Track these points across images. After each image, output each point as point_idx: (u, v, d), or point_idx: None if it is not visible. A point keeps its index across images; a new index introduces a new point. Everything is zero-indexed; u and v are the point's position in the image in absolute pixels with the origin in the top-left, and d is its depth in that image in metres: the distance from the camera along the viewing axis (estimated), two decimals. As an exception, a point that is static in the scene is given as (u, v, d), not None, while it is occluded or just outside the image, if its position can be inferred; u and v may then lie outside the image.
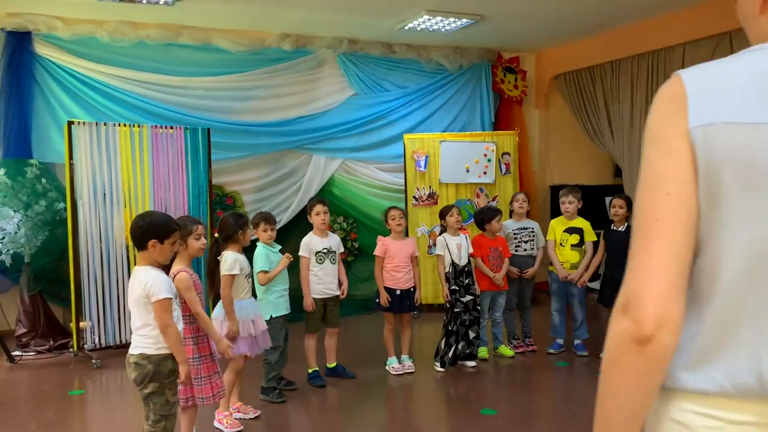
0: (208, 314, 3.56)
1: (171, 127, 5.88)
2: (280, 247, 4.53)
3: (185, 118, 6.46)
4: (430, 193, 7.07)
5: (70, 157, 5.33)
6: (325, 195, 7.31)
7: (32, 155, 5.99)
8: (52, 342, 5.67)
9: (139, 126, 5.69)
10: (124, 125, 5.62)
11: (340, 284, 4.79)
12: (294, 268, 4.61)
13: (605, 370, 1.09)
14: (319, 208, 4.71)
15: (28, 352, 5.55)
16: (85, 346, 5.41)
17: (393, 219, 4.91)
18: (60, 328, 5.86)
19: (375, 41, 7.40)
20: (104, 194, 5.49)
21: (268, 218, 4.40)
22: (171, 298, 2.94)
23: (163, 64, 6.56)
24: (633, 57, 7.19)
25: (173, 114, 6.48)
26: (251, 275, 4.10)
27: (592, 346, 5.41)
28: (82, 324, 5.39)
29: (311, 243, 4.70)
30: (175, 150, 5.86)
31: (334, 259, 4.75)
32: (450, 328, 5.03)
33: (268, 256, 4.32)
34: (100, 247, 5.45)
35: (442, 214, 5.18)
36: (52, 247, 5.74)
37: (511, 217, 5.74)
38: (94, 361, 5.23)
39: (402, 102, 7.57)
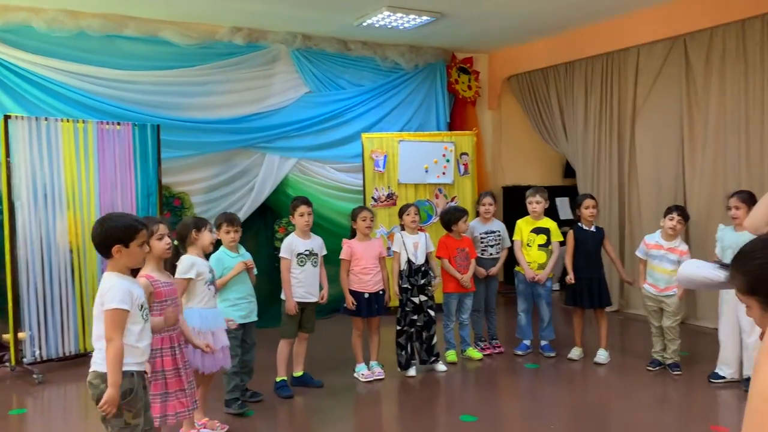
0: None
1: (118, 124, 5.50)
2: (243, 251, 4.28)
3: (130, 114, 6.07)
4: (389, 194, 6.93)
5: (7, 155, 4.88)
6: (279, 195, 7.08)
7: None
8: (-16, 356, 5.20)
9: (83, 122, 5.29)
10: (67, 121, 5.21)
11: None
12: (263, 272, 4.37)
13: None
14: (303, 208, 4.50)
15: (-42, 368, 5.07)
16: (24, 359, 4.97)
17: (364, 220, 4.74)
18: (-6, 341, 5.38)
19: (330, 37, 7.20)
20: (45, 195, 5.06)
21: (231, 219, 4.15)
22: (124, 310, 2.63)
23: (107, 57, 6.14)
24: (587, 59, 7.27)
25: (116, 110, 6.07)
26: (213, 282, 3.82)
27: (558, 346, 5.38)
28: (20, 335, 4.96)
29: (293, 244, 4.48)
30: (123, 148, 5.48)
31: (315, 262, 4.55)
32: (401, 327, 4.88)
33: (221, 260, 4.07)
34: (41, 252, 5.03)
35: (400, 213, 5.05)
36: (-14, 252, 5.26)
37: (477, 218, 5.64)
38: (35, 375, 4.80)
39: (358, 100, 7.39)
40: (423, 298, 4.88)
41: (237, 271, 4.04)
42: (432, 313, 4.94)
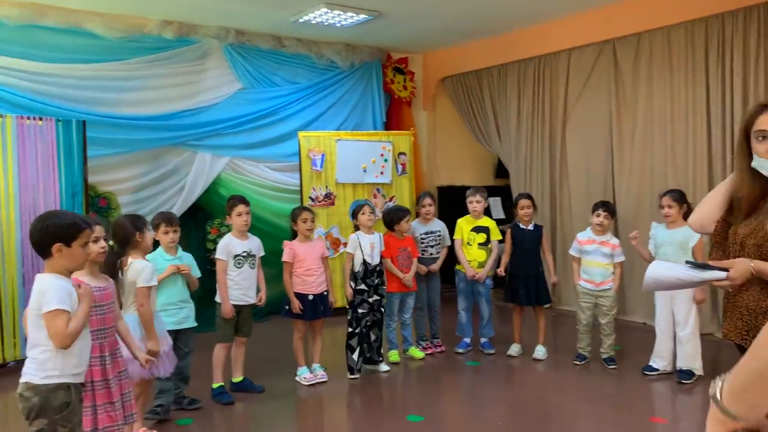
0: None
1: (40, 119, 5.16)
2: (182, 252, 4.10)
3: (51, 109, 5.71)
4: (326, 194, 6.83)
5: None
6: (211, 195, 6.85)
7: None
8: None
9: (1, 116, 4.93)
10: (-17, 114, 4.85)
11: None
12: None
13: None
14: (241, 208, 4.35)
15: None
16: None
17: (304, 221, 4.63)
18: None
19: (264, 33, 7.04)
20: (-42, 194, 4.69)
21: (169, 219, 3.97)
22: (64, 310, 2.44)
23: (25, 48, 5.75)
24: (520, 61, 7.41)
25: (36, 104, 5.69)
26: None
27: (498, 343, 5.45)
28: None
29: (230, 245, 4.32)
30: (45, 144, 5.15)
31: (253, 264, 4.41)
32: (353, 329, 4.82)
33: (155, 262, 3.85)
34: (-46, 256, 4.65)
35: (354, 213, 4.98)
36: None
37: (417, 218, 5.62)
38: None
39: (293, 98, 7.25)
40: (376, 297, 4.83)
41: (166, 274, 3.85)
42: (383, 311, 4.90)
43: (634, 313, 6.42)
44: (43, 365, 2.44)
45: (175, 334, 3.89)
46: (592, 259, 5.00)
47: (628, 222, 6.37)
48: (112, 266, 3.39)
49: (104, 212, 6.13)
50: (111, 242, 3.34)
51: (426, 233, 5.45)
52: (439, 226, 5.53)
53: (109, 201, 6.24)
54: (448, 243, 5.51)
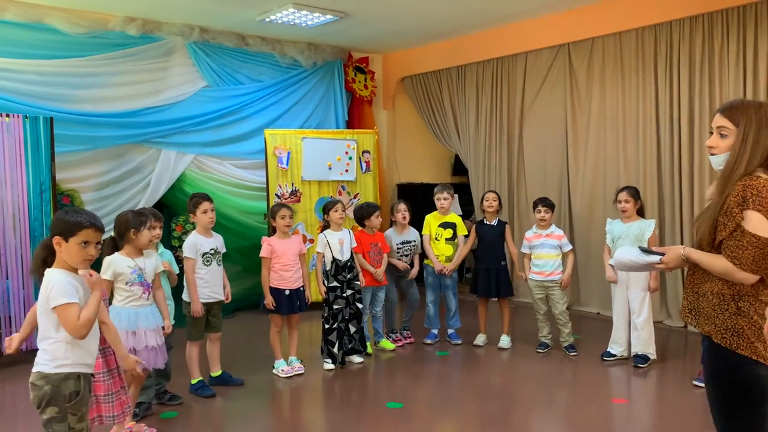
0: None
1: (7, 115, 5.09)
2: (162, 249, 4.16)
3: (12, 105, 5.61)
4: (292, 191, 6.92)
5: None
6: (176, 193, 6.85)
7: None
8: None
9: (-33, 112, 4.85)
10: (-52, 110, 4.75)
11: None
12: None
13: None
14: (206, 205, 4.38)
15: None
16: None
17: (283, 218, 4.72)
18: None
19: (228, 32, 7.07)
20: (-76, 191, 4.59)
21: (156, 215, 4.01)
22: (74, 303, 2.51)
23: (-17, 42, 5.66)
24: (478, 63, 7.67)
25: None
26: (142, 282, 3.67)
27: (464, 334, 5.67)
28: None
29: (198, 243, 4.36)
30: (12, 141, 5.08)
31: (220, 261, 4.47)
32: (328, 326, 4.96)
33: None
34: None
35: (326, 209, 5.09)
36: None
37: (392, 227, 5.71)
38: None
39: (257, 96, 7.30)
40: (349, 291, 4.97)
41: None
42: (359, 305, 5.05)
43: (588, 303, 6.77)
44: (54, 355, 2.50)
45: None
46: (540, 252, 5.29)
47: (582, 218, 6.71)
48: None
49: (66, 209, 6.05)
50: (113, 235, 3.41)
51: (402, 243, 5.58)
52: (414, 235, 5.63)
53: (72, 198, 6.17)
54: (420, 250, 5.67)
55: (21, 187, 5.13)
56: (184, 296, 4.42)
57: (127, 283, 3.61)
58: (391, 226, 5.76)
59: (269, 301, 4.67)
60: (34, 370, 2.53)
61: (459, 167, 8.86)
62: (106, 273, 3.54)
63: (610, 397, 4.31)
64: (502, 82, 7.50)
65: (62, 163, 5.84)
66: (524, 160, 7.38)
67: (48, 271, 2.55)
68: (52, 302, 2.47)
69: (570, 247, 5.36)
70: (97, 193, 6.36)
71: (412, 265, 5.64)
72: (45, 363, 2.51)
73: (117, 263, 3.59)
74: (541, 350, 5.34)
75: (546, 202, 5.36)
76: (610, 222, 5.13)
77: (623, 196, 4.91)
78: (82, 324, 2.47)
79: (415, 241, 5.63)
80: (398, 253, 5.54)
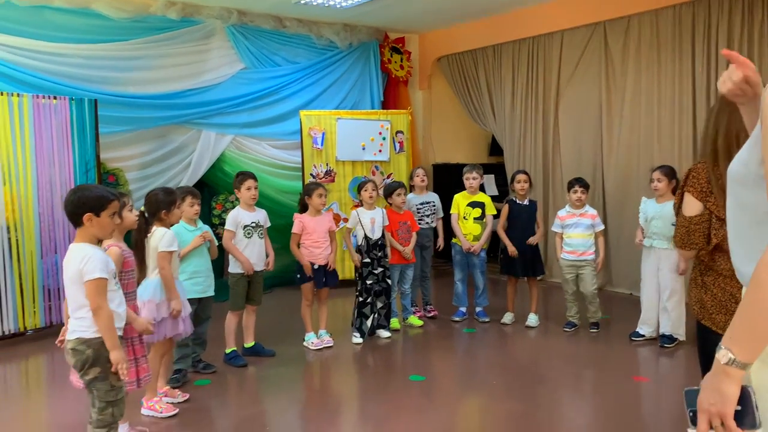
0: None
1: (54, 98, 5.37)
2: (201, 224, 4.36)
3: (61, 88, 5.90)
4: (327, 171, 7.07)
5: (-62, 128, 4.70)
6: (216, 172, 7.08)
7: None
8: None
9: (18, 95, 5.13)
10: (2, 94, 5.04)
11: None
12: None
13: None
14: (250, 182, 4.61)
15: None
16: (-38, 339, 4.84)
17: (320, 197, 4.89)
18: None
19: (266, 14, 7.22)
20: (-21, 170, 4.90)
21: (194, 192, 4.23)
22: (105, 278, 2.72)
23: (34, 29, 5.93)
24: (514, 42, 7.63)
25: (47, 83, 5.88)
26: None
27: (491, 312, 5.75)
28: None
29: (239, 217, 4.58)
30: (60, 122, 5.36)
31: (261, 234, 4.67)
32: (362, 299, 5.11)
33: (179, 234, 4.11)
34: (-23, 230, 4.88)
35: (359, 189, 5.24)
36: None
37: (412, 191, 5.92)
38: (-25, 355, 4.71)
39: (293, 77, 7.46)
40: (380, 269, 5.11)
41: (195, 244, 4.12)
42: (389, 282, 5.21)
43: (620, 284, 6.74)
44: (91, 321, 2.69)
45: (198, 302, 4.16)
46: (573, 232, 5.30)
47: (615, 197, 6.67)
48: (141, 234, 3.66)
49: (112, 188, 6.34)
50: (143, 210, 3.61)
51: (422, 204, 5.79)
52: (433, 197, 5.92)
53: (117, 177, 6.46)
54: (441, 214, 5.87)
55: (68, 167, 5.42)
56: (230, 268, 4.62)
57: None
58: (410, 191, 5.95)
59: (308, 266, 4.85)
60: (72, 337, 2.73)
61: (496, 147, 8.86)
62: (172, 245, 3.69)
63: (631, 375, 4.34)
64: (537, 61, 7.45)
65: (106, 143, 6.12)
66: (560, 140, 7.35)
67: (77, 246, 2.73)
68: (86, 276, 2.66)
69: (602, 227, 5.36)
70: (141, 173, 6.63)
71: (436, 234, 5.89)
72: (84, 329, 2.71)
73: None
74: (567, 329, 5.38)
75: (582, 182, 5.36)
76: (645, 201, 5.10)
77: (656, 174, 4.88)
78: (104, 302, 2.67)
79: (434, 202, 5.86)
80: (419, 213, 5.73)
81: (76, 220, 2.74)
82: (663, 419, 3.63)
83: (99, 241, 2.85)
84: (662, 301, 4.89)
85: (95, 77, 6.23)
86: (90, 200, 2.72)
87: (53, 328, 5.30)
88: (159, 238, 3.65)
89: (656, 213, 4.87)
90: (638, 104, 6.47)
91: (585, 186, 5.35)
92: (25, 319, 5.17)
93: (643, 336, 5.04)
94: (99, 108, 5.77)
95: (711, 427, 1.28)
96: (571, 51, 7.07)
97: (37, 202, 5.22)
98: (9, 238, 5.05)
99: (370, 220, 5.14)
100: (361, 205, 5.24)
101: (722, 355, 1.27)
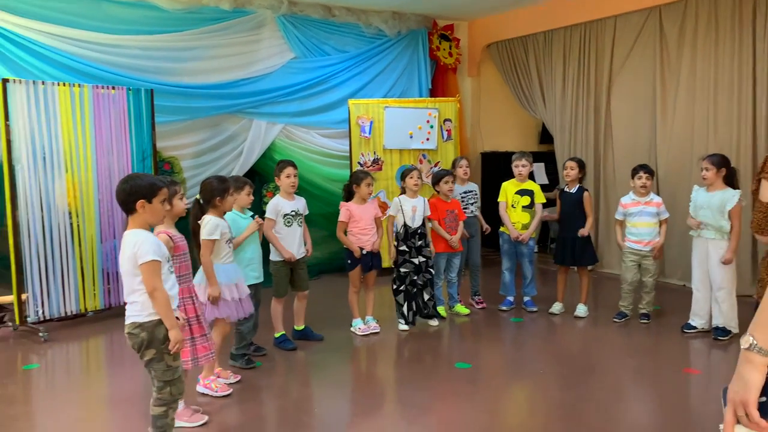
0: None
1: (113, 88, 5.56)
2: (251, 213, 4.47)
3: (119, 78, 6.10)
4: (374, 159, 7.12)
5: (6, 119, 4.92)
6: (266, 161, 7.21)
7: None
8: (-15, 317, 5.29)
9: (79, 86, 5.33)
10: (63, 85, 5.25)
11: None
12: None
13: None
14: (290, 170, 4.66)
15: (-40, 328, 5.17)
16: (28, 318, 5.09)
17: (369, 185, 4.95)
18: (-9, 302, 5.48)
19: (315, 3, 7.28)
20: (44, 158, 5.12)
21: (251, 183, 4.36)
22: (159, 261, 2.82)
23: (93, 21, 6.13)
24: (565, 28, 7.50)
25: (104, 73, 6.07)
26: (231, 240, 4.00)
27: (540, 302, 5.71)
28: (22, 296, 5.07)
29: (279, 205, 4.65)
30: (118, 112, 5.55)
31: (301, 222, 4.74)
32: (395, 286, 5.14)
33: (235, 221, 4.23)
34: (41, 215, 5.10)
35: (403, 176, 5.25)
36: (-17, 215, 5.33)
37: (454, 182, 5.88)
38: (41, 334, 4.94)
39: (342, 66, 7.51)
40: (422, 259, 5.13)
41: (251, 230, 4.23)
42: (432, 272, 5.21)
43: (673, 275, 6.59)
44: (145, 305, 2.81)
45: (255, 288, 4.28)
46: (638, 220, 5.19)
47: (669, 185, 6.51)
48: (196, 220, 3.79)
49: (167, 175, 6.54)
50: (199, 197, 3.74)
51: (465, 193, 5.79)
52: (474, 186, 5.93)
53: (172, 165, 6.65)
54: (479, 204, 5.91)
55: (126, 155, 5.61)
56: (272, 256, 4.72)
57: (227, 242, 3.92)
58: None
59: (356, 249, 4.91)
60: (128, 321, 2.86)
61: (546, 135, 8.73)
62: (214, 233, 3.81)
63: (682, 367, 4.26)
64: (589, 47, 7.31)
65: (162, 132, 6.29)
66: (612, 127, 7.21)
67: (131, 232, 2.84)
68: (140, 259, 2.77)
69: (667, 214, 5.23)
70: (195, 161, 6.81)
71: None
72: (137, 314, 2.83)
73: (222, 224, 3.89)
74: (617, 320, 5.30)
75: (647, 168, 5.24)
76: (696, 190, 4.97)
77: (705, 163, 4.74)
78: (162, 292, 2.78)
79: (475, 191, 5.88)
80: (462, 202, 5.72)
81: (129, 207, 2.85)
82: (714, 412, 3.55)
83: (150, 228, 2.96)
84: (713, 293, 4.78)
85: (151, 68, 6.42)
86: (142, 188, 2.84)
87: (112, 310, 5.53)
88: (203, 226, 3.77)
89: (705, 202, 4.74)
90: (693, 90, 6.28)
91: (649, 172, 5.22)
92: (86, 301, 5.40)
93: (696, 328, 4.93)
94: (155, 98, 5.94)
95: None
96: (625, 36, 6.90)
97: (97, 189, 5.43)
98: (71, 224, 5.27)
99: (412, 208, 5.15)
100: (404, 193, 5.25)
101: (745, 340, 1.24)
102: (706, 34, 6.13)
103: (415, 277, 5.14)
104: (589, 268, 5.66)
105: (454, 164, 5.95)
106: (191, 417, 3.39)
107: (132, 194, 2.83)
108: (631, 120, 6.95)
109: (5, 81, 4.95)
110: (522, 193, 5.60)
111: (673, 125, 6.48)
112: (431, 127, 7.22)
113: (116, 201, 2.96)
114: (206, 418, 3.45)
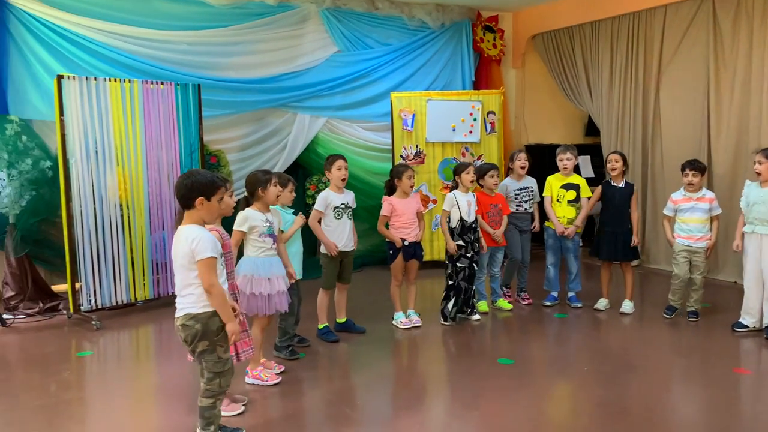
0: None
1: (161, 83, 5.68)
2: (292, 210, 4.52)
3: (167, 73, 6.25)
4: (417, 152, 7.11)
5: (61, 114, 5.08)
6: (310, 154, 7.28)
7: (8, 112, 5.71)
8: (41, 305, 5.50)
9: (129, 81, 5.47)
10: (115, 80, 5.39)
11: None
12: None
13: None
14: (340, 163, 4.71)
15: (18, 315, 5.38)
16: (81, 307, 5.26)
17: (410, 178, 4.95)
18: (48, 291, 5.68)
19: (359, -3, 7.31)
20: (96, 152, 5.27)
21: (293, 180, 4.41)
22: (216, 257, 2.88)
23: (142, 17, 6.30)
24: (613, 18, 7.34)
25: (153, 69, 6.25)
26: (271, 234, 4.04)
27: (585, 298, 5.63)
28: (76, 285, 5.25)
29: (329, 198, 4.70)
30: (166, 106, 5.68)
31: (350, 215, 4.78)
32: (452, 282, 5.13)
33: (282, 216, 4.29)
34: (94, 207, 5.26)
35: (458, 171, 5.17)
36: (40, 207, 5.54)
37: (508, 175, 5.83)
38: (93, 322, 5.11)
39: (385, 59, 7.52)
40: (472, 253, 5.12)
41: (298, 225, 4.29)
42: (476, 267, 5.20)
43: (724, 272, 6.42)
44: (200, 298, 2.88)
45: (295, 284, 4.33)
46: (690, 217, 5.07)
47: (724, 180, 6.33)
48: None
49: (214, 169, 6.67)
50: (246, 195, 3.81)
51: (520, 189, 5.65)
52: (531, 182, 5.72)
53: (218, 158, 6.78)
54: (538, 199, 5.71)
55: (174, 148, 5.74)
56: (322, 248, 4.77)
57: (260, 235, 3.97)
58: (507, 175, 5.83)
59: (398, 240, 4.93)
60: (181, 313, 2.93)
61: (592, 128, 8.59)
62: (243, 226, 3.89)
63: (732, 367, 4.15)
64: (638, 38, 7.14)
65: (209, 126, 6.42)
66: (660, 120, 7.03)
67: (187, 228, 2.90)
68: (198, 256, 2.83)
69: (720, 210, 5.10)
70: (240, 154, 6.93)
71: (532, 218, 5.74)
72: (191, 306, 2.90)
73: (252, 217, 3.95)
74: (668, 314, 5.19)
75: (695, 165, 5.10)
76: (748, 185, 4.83)
77: (758, 157, 4.60)
78: (218, 288, 2.85)
79: (532, 187, 5.70)
80: (516, 199, 5.61)
81: (188, 203, 2.91)
82: (765, 414, 3.46)
83: (205, 224, 3.03)
84: (766, 291, 4.63)
85: (198, 63, 6.54)
86: (202, 185, 2.90)
87: (161, 300, 5.68)
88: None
89: (759, 198, 4.60)
90: (749, 82, 6.08)
91: (698, 168, 5.08)
92: (136, 291, 5.55)
93: (747, 327, 4.80)
94: (202, 92, 6.05)
95: None
96: (675, 26, 6.72)
97: (147, 182, 5.57)
98: (122, 215, 5.42)
99: (467, 203, 5.11)
100: (455, 188, 5.20)
101: None
102: (763, 23, 5.92)
103: (465, 271, 5.13)
104: (635, 263, 5.55)
105: (512, 158, 5.79)
106: (228, 407, 3.46)
107: (193, 190, 2.89)
108: (681, 113, 6.77)
109: (60, 77, 5.11)
110: (567, 187, 5.51)
111: (729, 119, 6.29)
112: (474, 119, 7.16)
113: (174, 195, 3.03)
114: (243, 408, 3.50)
